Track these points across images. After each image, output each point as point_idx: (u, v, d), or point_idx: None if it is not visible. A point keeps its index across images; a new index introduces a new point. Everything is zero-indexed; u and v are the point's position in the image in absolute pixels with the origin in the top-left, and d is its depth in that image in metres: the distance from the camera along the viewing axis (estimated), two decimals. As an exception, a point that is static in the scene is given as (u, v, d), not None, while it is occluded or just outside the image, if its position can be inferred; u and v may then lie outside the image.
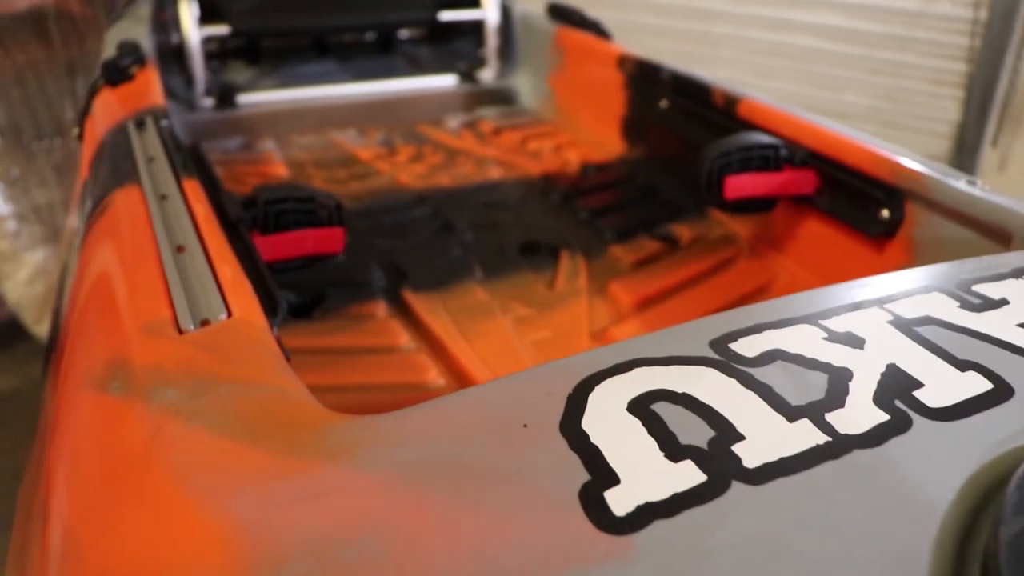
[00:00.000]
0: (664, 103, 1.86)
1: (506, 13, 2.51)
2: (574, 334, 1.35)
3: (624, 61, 2.03)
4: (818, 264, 1.45)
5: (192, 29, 2.19)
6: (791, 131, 1.46)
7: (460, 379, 1.25)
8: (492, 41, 2.51)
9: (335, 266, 1.47)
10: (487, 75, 2.53)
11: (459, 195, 1.85)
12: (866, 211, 1.33)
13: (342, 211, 1.30)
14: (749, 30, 4.46)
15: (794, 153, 1.41)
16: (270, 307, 0.90)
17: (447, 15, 2.47)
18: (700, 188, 1.45)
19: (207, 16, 2.23)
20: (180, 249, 0.94)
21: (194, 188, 1.12)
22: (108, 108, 1.52)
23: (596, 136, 2.16)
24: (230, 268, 0.91)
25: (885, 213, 1.28)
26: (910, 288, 0.77)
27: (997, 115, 4.01)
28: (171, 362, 0.71)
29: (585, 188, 1.88)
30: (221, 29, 2.26)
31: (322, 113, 2.32)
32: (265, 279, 0.98)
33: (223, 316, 0.80)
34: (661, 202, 1.82)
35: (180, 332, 0.77)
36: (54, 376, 0.95)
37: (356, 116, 2.35)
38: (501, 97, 2.51)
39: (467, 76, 2.52)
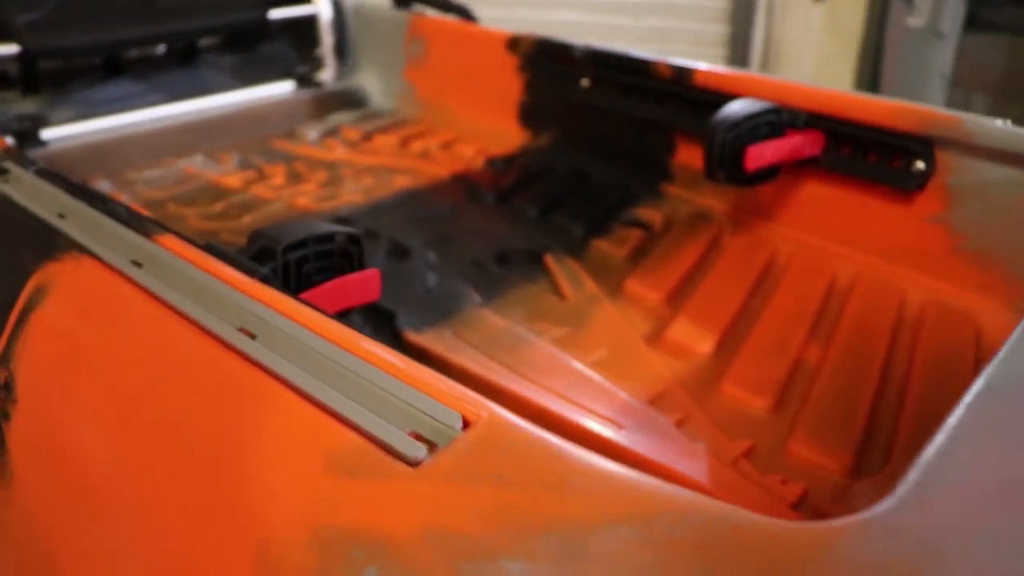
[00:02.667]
0: (586, 82, 1.73)
1: (337, 7, 2.26)
2: (630, 346, 1.20)
3: (517, 43, 1.87)
4: (832, 228, 1.40)
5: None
6: (772, 94, 1.40)
7: (540, 418, 1.05)
8: (328, 39, 2.25)
9: None
10: (326, 77, 2.26)
11: (381, 211, 1.61)
12: (891, 166, 1.29)
13: (362, 246, 1.05)
14: (517, 10, 4.44)
15: (796, 116, 1.35)
16: None
17: (277, 13, 2.17)
18: (711, 163, 1.34)
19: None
20: (250, 334, 0.68)
21: (181, 245, 0.84)
22: None
23: (485, 127, 1.99)
24: (365, 346, 0.67)
25: (920, 164, 1.25)
26: None
27: (757, 68, 4.28)
28: (466, 517, 0.49)
29: (513, 185, 1.71)
30: (6, 49, 1.82)
31: (154, 141, 1.95)
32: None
33: (457, 424, 0.57)
34: (605, 187, 1.69)
35: (413, 464, 0.53)
36: None
37: (194, 139, 2.00)
38: (349, 99, 2.25)
39: (306, 80, 2.24)
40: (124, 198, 1.73)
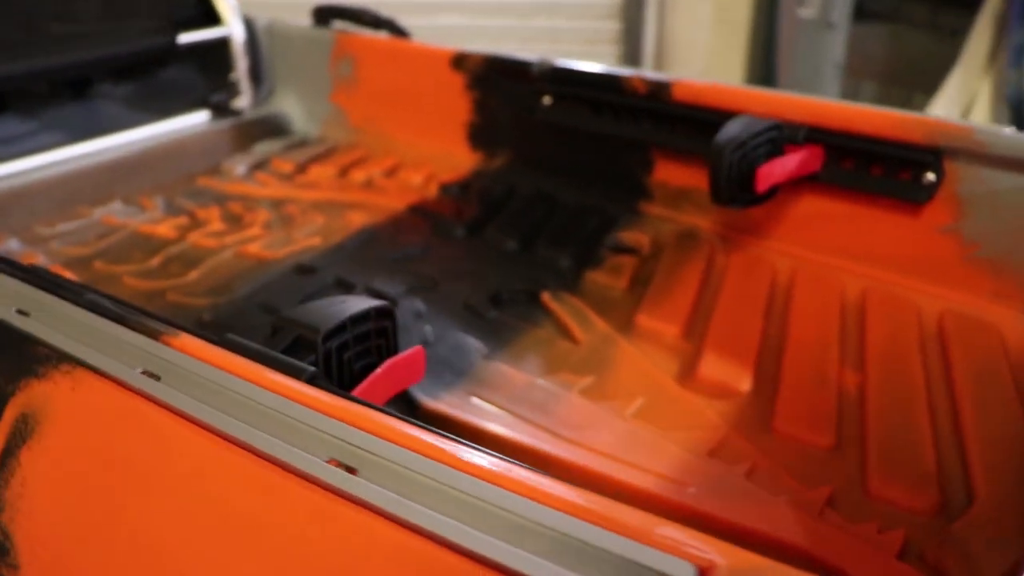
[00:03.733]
0: (547, 100, 1.65)
1: (250, 28, 2.09)
2: (665, 391, 1.12)
3: (464, 60, 1.77)
4: (833, 242, 1.37)
5: None
6: (765, 108, 1.35)
7: (600, 486, 0.97)
8: (242, 62, 2.08)
9: None
10: (243, 104, 2.10)
11: (346, 256, 1.48)
12: (899, 178, 1.27)
13: (396, 319, 0.94)
14: (404, 18, 4.30)
15: (796, 131, 1.31)
16: None
17: (187, 37, 1.99)
18: (717, 187, 1.28)
19: None
20: (350, 470, 0.57)
21: (198, 345, 0.71)
22: None
23: (430, 151, 1.88)
24: (521, 476, 0.56)
25: (931, 176, 1.23)
26: None
27: (652, 64, 4.30)
28: None
29: (480, 215, 1.61)
30: None
31: (61, 188, 1.74)
32: None
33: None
34: (579, 211, 1.62)
35: None
36: None
37: (107, 184, 1.79)
38: (270, 127, 2.09)
39: (222, 109, 2.06)
40: (40, 259, 1.53)
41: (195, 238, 1.58)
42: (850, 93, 3.78)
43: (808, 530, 0.88)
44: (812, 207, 1.37)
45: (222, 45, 2.05)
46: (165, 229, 1.62)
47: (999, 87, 3.22)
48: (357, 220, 1.63)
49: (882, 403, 1.07)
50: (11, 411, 0.70)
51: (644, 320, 1.26)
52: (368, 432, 0.59)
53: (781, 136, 1.30)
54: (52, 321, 0.75)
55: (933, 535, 0.88)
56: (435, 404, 1.08)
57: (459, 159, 1.83)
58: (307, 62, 2.06)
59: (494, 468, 0.56)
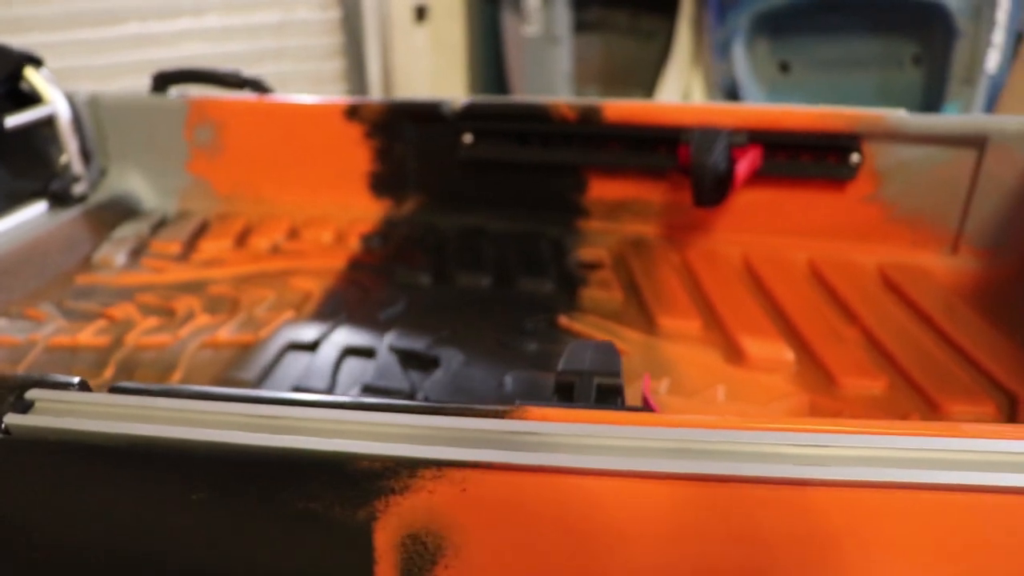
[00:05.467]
0: (468, 138, 1.70)
1: (73, 104, 1.89)
2: (731, 376, 1.26)
3: (359, 110, 1.76)
4: (775, 224, 1.58)
5: None
6: (697, 119, 1.53)
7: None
8: (73, 143, 1.88)
9: None
10: (83, 189, 1.90)
11: (333, 324, 1.44)
12: (828, 162, 1.51)
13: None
14: (103, 56, 3.96)
15: (740, 136, 1.50)
16: None
17: (13, 120, 1.76)
18: (703, 194, 1.43)
19: None
20: None
21: (545, 411, 0.72)
22: None
23: (326, 207, 1.84)
24: None
25: (856, 157, 1.48)
26: None
27: (382, 96, 4.40)
28: None
29: (437, 260, 1.63)
30: None
31: None
32: None
33: None
34: (520, 238, 1.69)
35: None
36: None
37: None
38: (121, 210, 1.90)
39: (63, 198, 1.85)
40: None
41: (137, 340, 1.43)
42: (579, 97, 4.16)
43: None
44: (751, 198, 1.57)
45: (48, 125, 1.84)
46: (88, 337, 1.45)
47: (709, 78, 3.73)
48: (307, 286, 1.57)
49: (891, 342, 1.29)
50: (388, 536, 0.65)
51: (666, 321, 1.39)
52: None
53: (731, 142, 1.49)
54: (376, 433, 0.70)
55: None
56: None
57: (363, 210, 1.82)
58: (151, 133, 1.91)
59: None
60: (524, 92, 4.02)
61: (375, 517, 0.64)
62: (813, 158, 1.51)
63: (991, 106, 3.28)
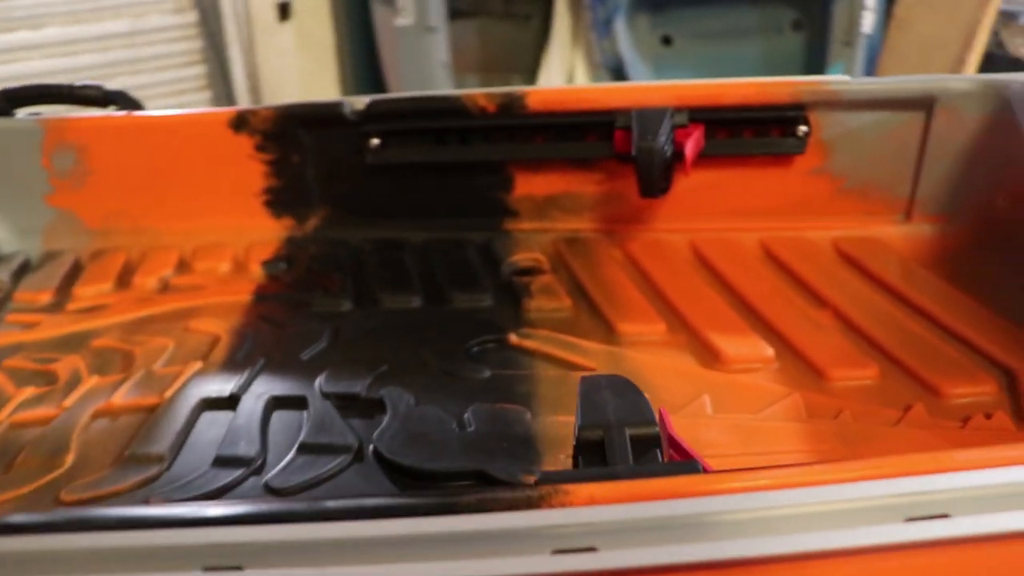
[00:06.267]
0: (375, 141, 1.52)
1: None
2: (711, 382, 1.14)
3: (248, 120, 1.55)
4: (720, 208, 1.47)
5: None
6: (631, 100, 1.41)
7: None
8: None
9: None
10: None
11: (249, 371, 1.23)
12: (773, 137, 1.41)
13: None
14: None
15: (681, 116, 1.38)
16: None
17: None
18: (651, 184, 1.31)
19: None
20: None
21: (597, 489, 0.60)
22: None
23: (218, 232, 1.62)
24: None
25: (804, 128, 1.39)
26: None
27: (247, 101, 4.14)
28: None
29: (356, 282, 1.45)
30: None
31: None
32: None
33: None
34: (444, 248, 1.53)
35: None
36: None
37: None
38: None
39: (-102, 249, 1.58)
40: None
41: (12, 417, 1.19)
42: (459, 86, 4.00)
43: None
44: (692, 182, 1.46)
45: None
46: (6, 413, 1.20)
47: (592, 58, 3.65)
48: (211, 328, 1.36)
49: (868, 323, 1.21)
50: None
51: (627, 327, 1.26)
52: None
53: (673, 123, 1.37)
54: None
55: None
56: None
57: (261, 232, 1.62)
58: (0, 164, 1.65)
59: None
60: (401, 86, 3.85)
61: None
62: (756, 133, 1.41)
63: (871, 66, 3.32)
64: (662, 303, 1.32)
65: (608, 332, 1.26)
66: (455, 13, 3.79)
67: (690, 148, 1.34)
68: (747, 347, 1.19)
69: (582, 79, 3.67)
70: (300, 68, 4.21)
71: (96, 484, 1.03)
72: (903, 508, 0.54)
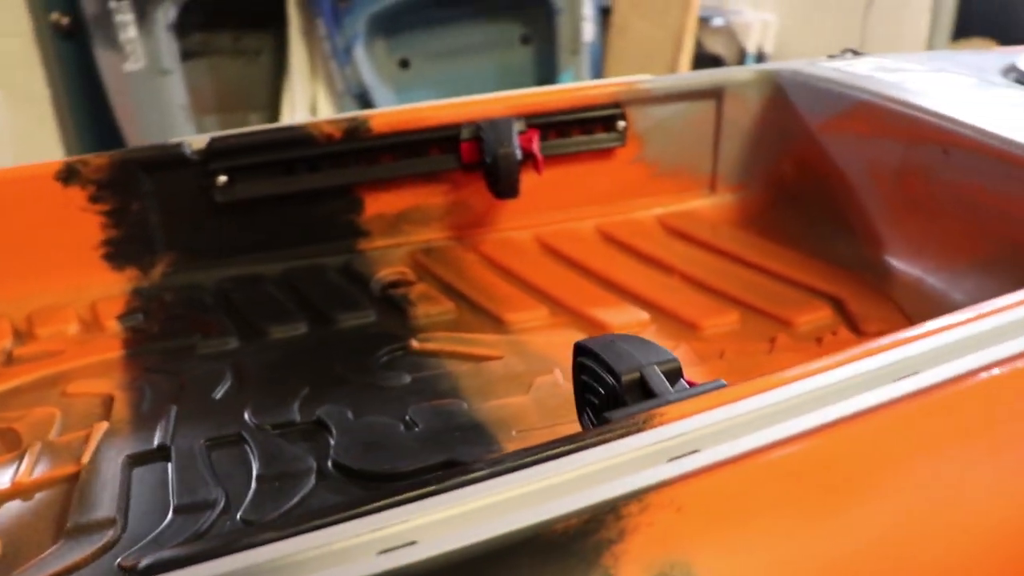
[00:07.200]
0: (223, 179, 1.51)
1: None
2: None
3: (77, 171, 1.47)
4: (557, 202, 1.62)
5: None
6: (469, 114, 1.53)
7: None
8: None
9: None
10: None
11: (166, 422, 1.20)
12: (597, 134, 1.59)
13: None
14: None
15: (519, 122, 1.51)
16: None
17: None
18: (510, 186, 1.43)
19: None
20: None
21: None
22: None
23: (56, 295, 1.50)
24: None
25: (622, 124, 1.58)
26: None
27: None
28: None
29: (234, 321, 1.43)
30: None
31: None
32: None
33: None
34: (307, 276, 1.56)
35: None
36: None
37: None
38: None
39: None
40: None
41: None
42: (200, 129, 3.87)
43: None
44: (529, 182, 1.59)
45: None
46: None
47: (334, 86, 3.70)
48: (96, 388, 1.29)
49: (714, 280, 1.43)
50: (635, 569, 0.58)
51: (514, 316, 1.37)
52: None
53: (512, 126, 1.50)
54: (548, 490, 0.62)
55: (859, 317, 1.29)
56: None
57: (102, 287, 1.53)
58: None
59: None
60: (138, 133, 3.66)
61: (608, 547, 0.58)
62: (582, 132, 1.58)
63: (597, 70, 3.69)
64: (534, 291, 1.45)
65: (498, 324, 1.37)
66: (185, 54, 3.68)
67: (537, 150, 1.48)
68: (625, 315, 1.35)
69: (326, 109, 3.71)
70: (15, 126, 3.85)
71: (48, 563, 0.97)
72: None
